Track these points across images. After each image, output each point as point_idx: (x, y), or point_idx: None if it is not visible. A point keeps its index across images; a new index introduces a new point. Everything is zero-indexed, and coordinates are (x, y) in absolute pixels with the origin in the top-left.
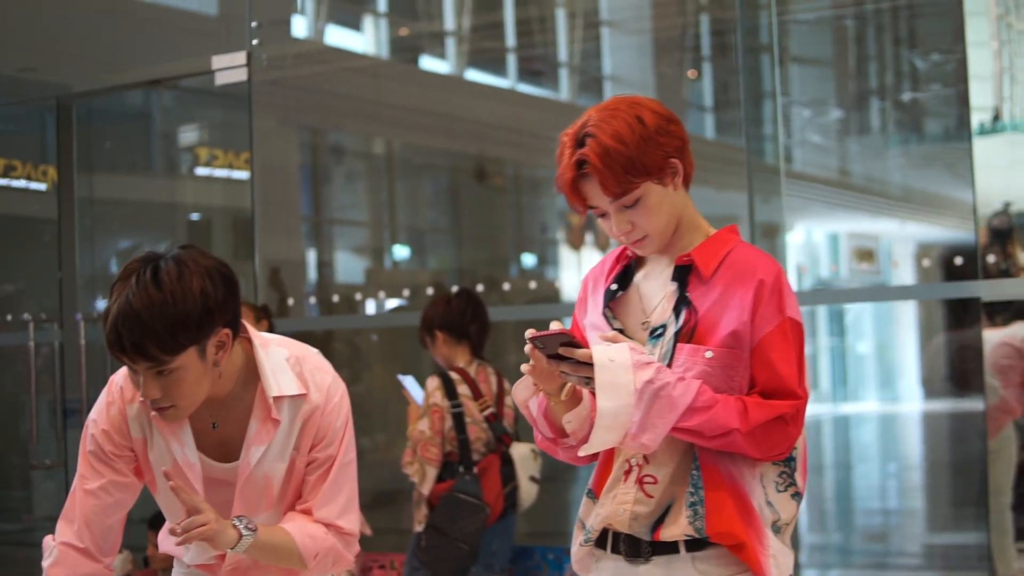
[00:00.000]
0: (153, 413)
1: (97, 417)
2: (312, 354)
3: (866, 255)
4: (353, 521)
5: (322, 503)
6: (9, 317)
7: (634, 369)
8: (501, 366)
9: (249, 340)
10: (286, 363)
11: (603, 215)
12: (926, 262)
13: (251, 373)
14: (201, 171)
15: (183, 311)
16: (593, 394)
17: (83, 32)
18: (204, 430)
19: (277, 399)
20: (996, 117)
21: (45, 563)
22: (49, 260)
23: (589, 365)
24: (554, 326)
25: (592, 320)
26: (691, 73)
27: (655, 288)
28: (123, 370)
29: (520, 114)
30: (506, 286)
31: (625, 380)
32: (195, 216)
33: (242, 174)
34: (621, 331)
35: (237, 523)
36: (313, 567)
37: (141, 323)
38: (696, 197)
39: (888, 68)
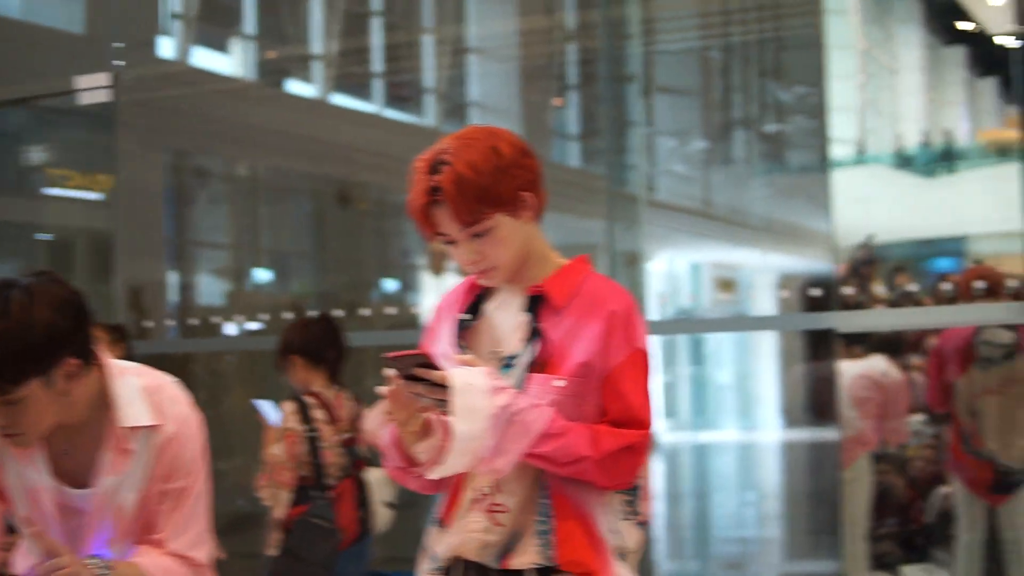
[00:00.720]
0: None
1: None
2: (167, 384)
3: (727, 285)
4: (205, 552)
5: (175, 534)
6: None
7: (491, 393)
8: (359, 391)
9: (104, 368)
10: (140, 392)
11: (452, 243)
12: (785, 292)
13: (105, 401)
14: (54, 191)
15: (27, 342)
16: (445, 418)
17: None
18: (59, 456)
19: (131, 429)
20: (859, 150)
21: None
22: None
23: (444, 387)
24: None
25: (442, 349)
26: (557, 101)
27: (506, 318)
28: None
29: (385, 139)
30: (366, 311)
31: (482, 404)
32: (49, 236)
33: (95, 195)
34: None
35: (93, 562)
36: None
37: None
38: (558, 225)
39: (753, 99)
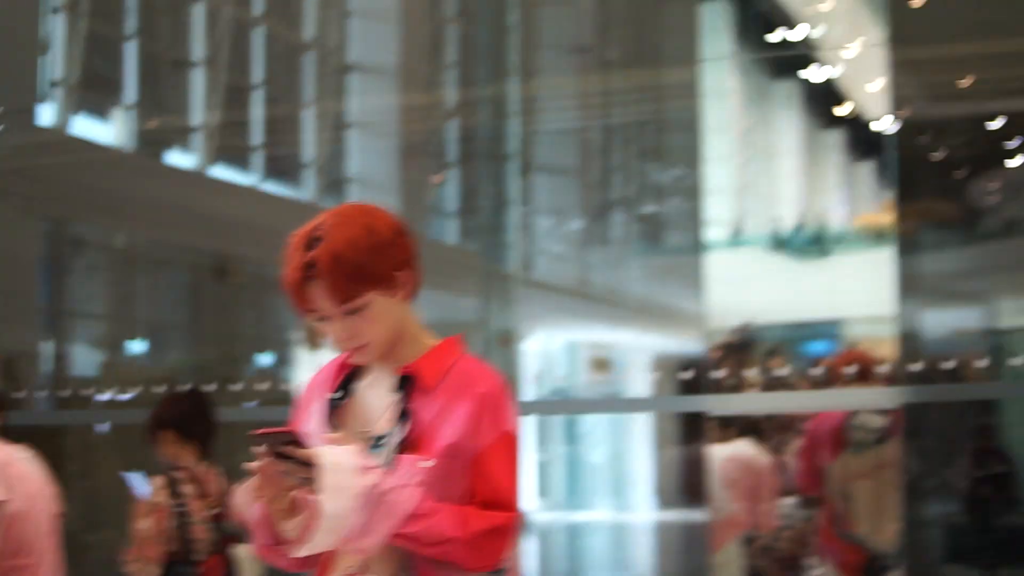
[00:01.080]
0: None
1: None
2: (18, 460)
3: (602, 364)
4: None
5: None
6: None
7: (359, 473)
8: (230, 467)
9: None
10: None
11: (325, 320)
12: (659, 374)
13: None
14: None
15: None
16: (312, 496)
17: None
18: None
19: None
20: (736, 232)
21: None
22: None
23: (312, 465)
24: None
25: (313, 427)
26: (436, 178)
27: (377, 397)
28: None
29: (263, 213)
30: (239, 386)
31: (349, 483)
32: None
33: None
34: None
35: None
36: None
37: None
38: (434, 302)
39: (631, 180)
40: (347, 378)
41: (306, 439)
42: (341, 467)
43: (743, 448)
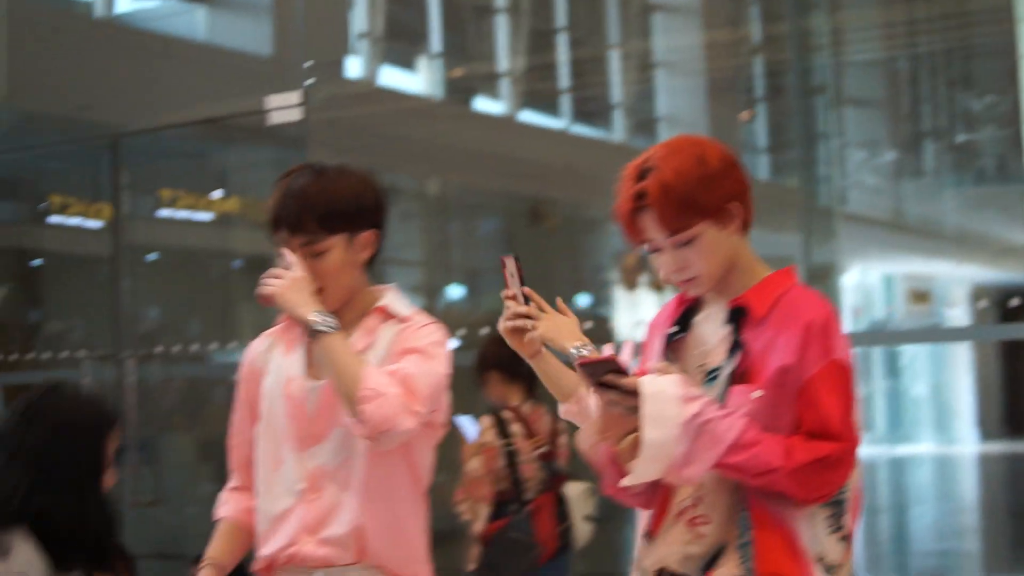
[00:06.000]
0: None
1: None
2: None
3: (921, 296)
4: None
5: None
6: (63, 354)
7: (682, 402)
8: (556, 405)
9: None
10: None
11: (656, 251)
12: (982, 303)
13: None
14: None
15: None
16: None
17: (138, 72)
18: None
19: None
20: None
21: None
22: (103, 298)
23: (636, 394)
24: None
25: (653, 364)
26: (745, 114)
27: (711, 331)
28: None
29: (574, 155)
30: None
31: (672, 412)
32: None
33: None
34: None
35: None
36: None
37: None
38: (751, 239)
39: (942, 109)
40: (685, 313)
41: (628, 368)
42: (663, 396)
43: None
